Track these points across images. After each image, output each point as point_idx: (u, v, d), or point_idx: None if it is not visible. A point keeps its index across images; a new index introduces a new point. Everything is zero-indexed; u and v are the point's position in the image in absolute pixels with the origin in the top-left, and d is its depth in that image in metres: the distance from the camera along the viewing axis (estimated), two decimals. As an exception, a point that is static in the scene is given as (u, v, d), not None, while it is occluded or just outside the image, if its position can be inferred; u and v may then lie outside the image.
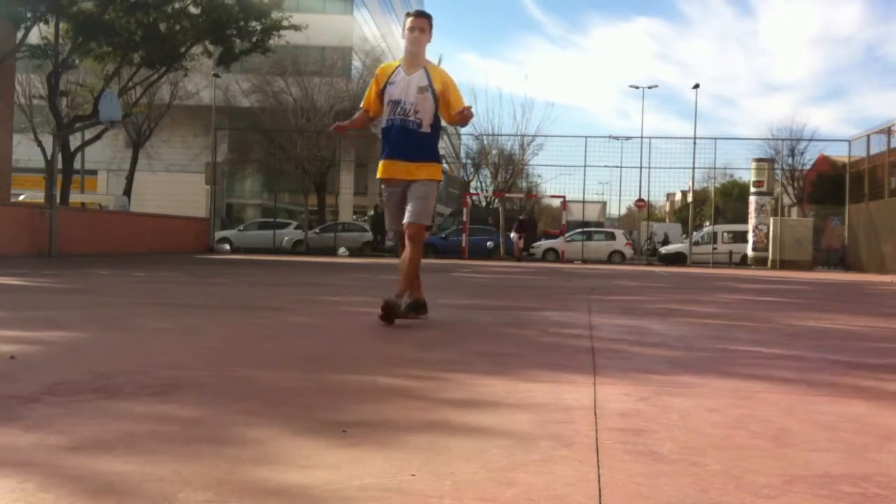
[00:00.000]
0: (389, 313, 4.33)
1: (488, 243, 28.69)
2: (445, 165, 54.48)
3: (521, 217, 27.58)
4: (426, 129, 4.69)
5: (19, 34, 19.69)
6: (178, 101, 32.58)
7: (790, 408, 2.44)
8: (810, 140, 39.36)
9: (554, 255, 28.20)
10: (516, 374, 2.91)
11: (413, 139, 4.65)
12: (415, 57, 4.72)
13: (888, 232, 21.89)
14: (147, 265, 13.25)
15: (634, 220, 42.52)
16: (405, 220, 4.65)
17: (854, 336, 4.88)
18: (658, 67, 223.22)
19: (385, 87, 4.73)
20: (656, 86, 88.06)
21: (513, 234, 26.87)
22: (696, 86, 32.64)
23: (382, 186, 4.85)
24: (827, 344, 4.29)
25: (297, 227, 31.23)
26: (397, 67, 4.76)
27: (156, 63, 23.08)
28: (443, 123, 4.87)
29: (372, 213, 31.52)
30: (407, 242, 4.66)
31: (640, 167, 28.76)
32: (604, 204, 54.65)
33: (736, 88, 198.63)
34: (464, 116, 4.59)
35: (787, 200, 40.89)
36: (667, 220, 60.76)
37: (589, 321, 5.13)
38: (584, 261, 27.19)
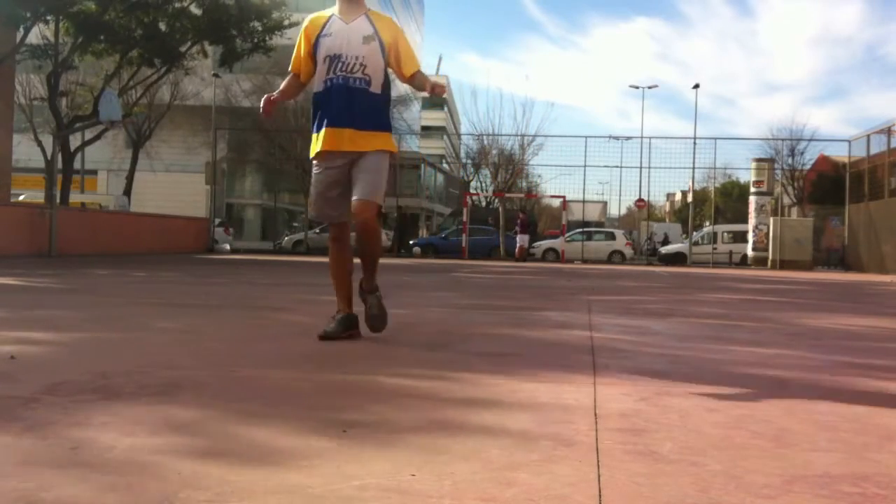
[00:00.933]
0: (380, 324, 3.86)
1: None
2: (445, 165, 54.54)
3: (521, 215, 27.44)
4: (376, 89, 3.71)
5: (19, 34, 19.70)
6: (179, 101, 32.60)
7: (790, 408, 2.44)
8: (810, 140, 39.38)
9: (554, 255, 28.20)
10: (516, 374, 2.91)
11: (361, 101, 3.67)
12: (351, 1, 3.75)
13: (888, 232, 21.89)
14: (147, 265, 13.25)
15: (634, 220, 42.53)
16: (355, 197, 3.66)
17: (854, 336, 4.88)
18: (658, 67, 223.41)
19: (317, 40, 3.71)
20: (656, 86, 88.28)
21: (518, 237, 26.62)
22: (696, 86, 32.69)
23: (315, 164, 3.79)
24: (827, 344, 4.29)
25: None
26: (331, 17, 3.76)
27: (155, 61, 23.09)
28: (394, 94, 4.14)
29: (395, 215, 31.32)
30: (358, 232, 3.75)
31: (640, 167, 28.81)
32: (604, 204, 54.67)
33: (736, 88, 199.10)
34: (435, 92, 3.68)
35: (787, 200, 40.87)
36: (667, 220, 60.77)
37: (589, 321, 5.13)
38: (584, 261, 27.19)
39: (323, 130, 3.69)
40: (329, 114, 3.68)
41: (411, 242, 31.91)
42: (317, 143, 3.73)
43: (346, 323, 3.79)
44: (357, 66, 3.65)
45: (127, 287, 7.85)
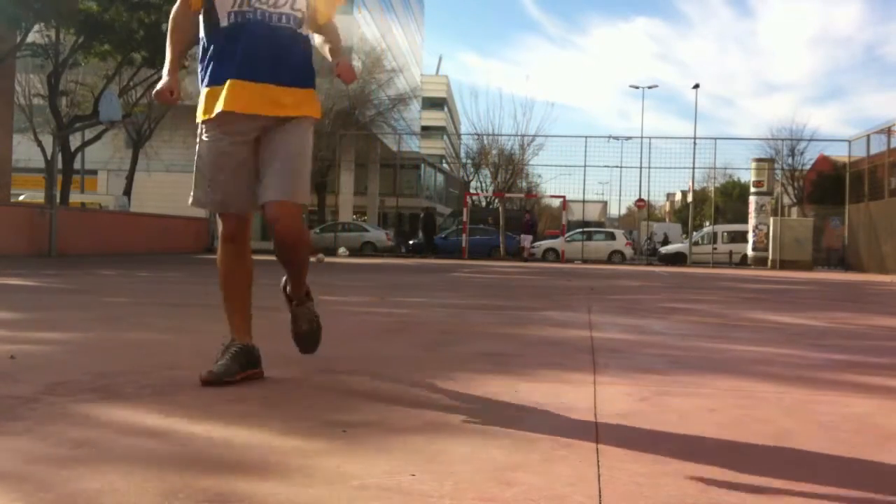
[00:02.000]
0: (311, 344, 2.94)
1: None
2: (445, 165, 54.47)
3: (527, 215, 27.49)
4: (305, 30, 2.71)
5: (20, 34, 19.70)
6: (179, 101, 32.56)
7: (790, 408, 2.44)
8: (810, 140, 39.40)
9: (554, 255, 28.20)
10: (516, 374, 2.91)
11: (288, 46, 2.63)
12: None
13: (888, 232, 21.89)
14: (147, 265, 13.25)
15: (634, 220, 42.51)
16: (270, 197, 2.56)
17: (854, 335, 4.88)
18: (658, 67, 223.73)
19: None
20: (656, 86, 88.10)
21: (522, 237, 26.78)
22: (696, 86, 32.90)
23: (204, 128, 2.67)
24: (827, 343, 4.29)
25: None
26: None
27: (157, 62, 23.08)
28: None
29: (422, 214, 31.33)
30: (278, 243, 2.64)
31: (640, 167, 28.80)
32: (604, 204, 54.66)
33: (735, 88, 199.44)
34: (342, 76, 2.66)
35: (787, 200, 40.88)
36: (667, 220, 60.75)
37: (589, 321, 5.13)
38: (584, 261, 27.18)
39: (227, 83, 2.56)
40: (237, 60, 2.57)
41: (411, 242, 31.89)
42: (212, 101, 2.61)
43: (243, 358, 2.64)
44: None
45: (127, 287, 7.85)
